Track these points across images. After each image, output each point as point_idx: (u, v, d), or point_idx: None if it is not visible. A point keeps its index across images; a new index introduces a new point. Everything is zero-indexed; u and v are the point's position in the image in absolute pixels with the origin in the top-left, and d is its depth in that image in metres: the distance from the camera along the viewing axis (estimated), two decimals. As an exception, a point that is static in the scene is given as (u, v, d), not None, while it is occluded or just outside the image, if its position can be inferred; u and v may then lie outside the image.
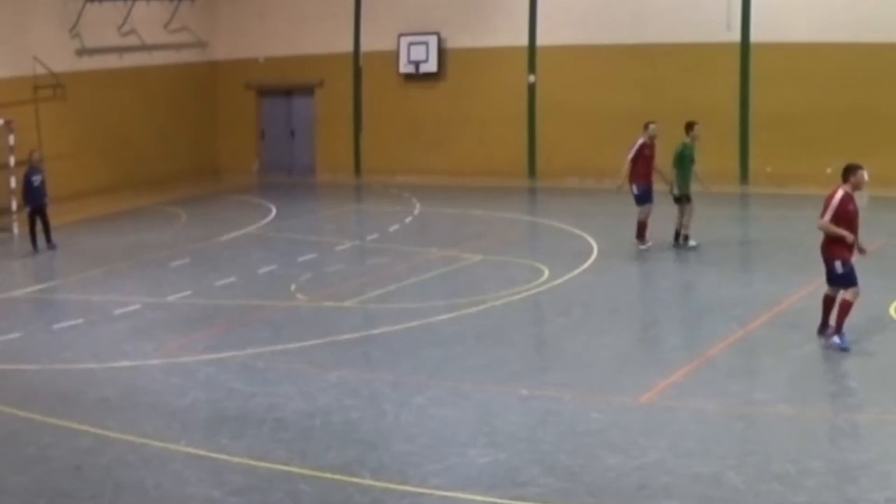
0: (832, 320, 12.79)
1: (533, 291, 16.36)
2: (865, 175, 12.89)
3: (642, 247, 18.93)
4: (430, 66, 29.83)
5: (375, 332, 14.46)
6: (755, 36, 26.32)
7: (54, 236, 21.61)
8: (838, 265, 12.67)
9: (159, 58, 30.41)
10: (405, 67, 30.13)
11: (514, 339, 14.19)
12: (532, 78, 28.92)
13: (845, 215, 12.70)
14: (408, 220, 23.67)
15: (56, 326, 15.05)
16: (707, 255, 18.75)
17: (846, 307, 12.62)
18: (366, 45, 30.81)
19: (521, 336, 14.60)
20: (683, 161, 18.68)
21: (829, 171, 25.30)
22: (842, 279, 12.70)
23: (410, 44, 29.93)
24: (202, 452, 10.06)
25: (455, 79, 29.74)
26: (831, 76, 25.31)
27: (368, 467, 9.50)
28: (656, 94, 27.25)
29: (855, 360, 12.30)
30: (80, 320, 15.30)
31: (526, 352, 13.84)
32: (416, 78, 30.12)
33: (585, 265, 18.02)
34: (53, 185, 26.73)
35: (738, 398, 11.25)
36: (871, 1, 25.04)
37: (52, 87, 26.81)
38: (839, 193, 12.80)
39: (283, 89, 32.18)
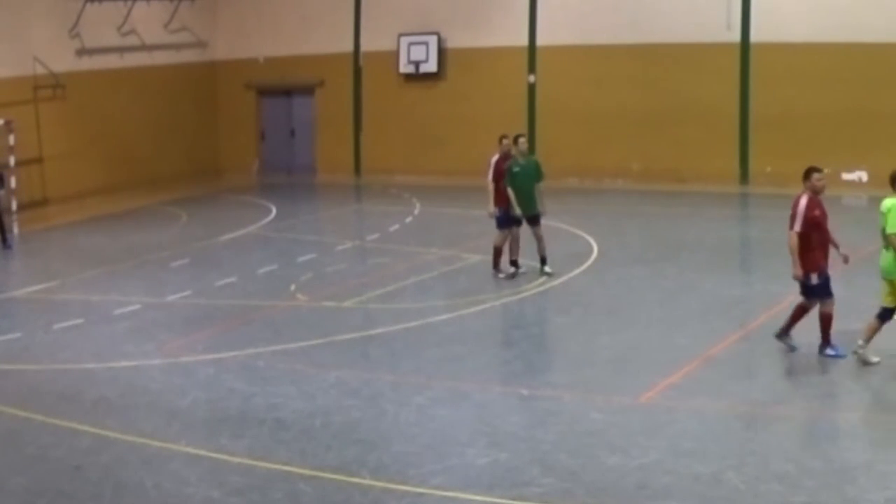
0: (810, 331, 12.45)
1: (533, 291, 16.36)
2: (824, 178, 12.62)
3: (500, 275, 17.04)
4: (430, 66, 29.84)
5: (375, 332, 14.45)
6: (755, 36, 26.33)
7: (52, 235, 21.59)
8: (814, 277, 12.29)
9: (159, 58, 30.43)
10: (405, 67, 30.15)
11: (514, 339, 14.18)
12: (532, 78, 28.93)
13: (813, 220, 12.31)
14: (408, 220, 23.67)
15: (56, 326, 15.04)
16: (707, 256, 18.75)
17: (828, 320, 12.34)
18: (366, 45, 30.83)
19: (521, 336, 14.60)
20: (512, 179, 16.66)
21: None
22: (818, 291, 12.33)
23: (410, 44, 29.94)
24: (202, 452, 10.06)
25: (455, 79, 29.75)
26: (831, 76, 25.32)
27: (368, 467, 9.50)
28: (656, 94, 27.30)
29: (855, 359, 12.28)
30: (80, 320, 15.29)
31: (526, 352, 13.83)
32: (416, 78, 30.13)
33: (585, 265, 18.02)
34: (53, 185, 26.86)
35: (738, 398, 11.25)
36: (871, 1, 25.05)
37: (52, 87, 26.83)
38: (804, 199, 12.43)
39: (283, 89, 32.19)
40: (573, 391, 11.56)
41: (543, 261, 17.01)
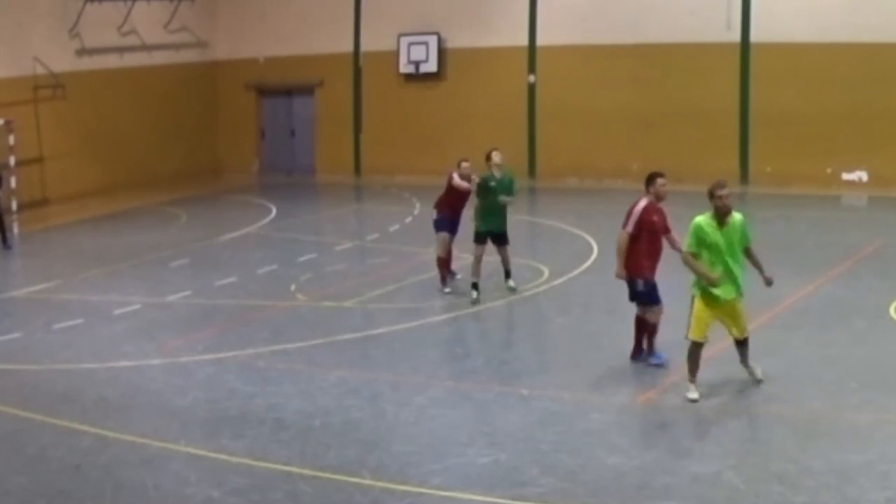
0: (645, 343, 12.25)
1: (533, 291, 16.36)
2: (667, 183, 12.10)
3: (446, 290, 16.30)
4: (430, 66, 29.86)
5: (375, 332, 14.45)
6: (755, 36, 26.35)
7: (52, 235, 21.60)
8: (640, 283, 12.03)
9: (159, 58, 30.44)
10: (405, 67, 30.16)
11: (514, 339, 14.18)
12: (532, 78, 28.94)
13: (649, 226, 11.99)
14: (408, 220, 23.67)
15: (56, 326, 15.04)
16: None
17: (652, 329, 12.10)
18: (366, 45, 30.84)
19: (521, 336, 14.60)
20: (485, 194, 15.87)
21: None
22: (643, 297, 12.07)
23: (410, 44, 29.95)
24: (202, 452, 10.06)
25: (455, 79, 29.76)
26: (831, 76, 25.34)
27: (368, 467, 9.50)
28: (656, 94, 27.31)
29: (855, 360, 12.30)
30: (80, 320, 15.29)
31: (526, 352, 13.83)
32: (416, 78, 30.14)
33: (585, 265, 18.02)
34: (53, 185, 26.87)
35: (738, 398, 11.25)
36: (871, 1, 25.06)
37: (52, 87, 26.84)
38: (642, 202, 12.05)
39: (283, 89, 32.20)
40: (573, 391, 11.55)
41: (507, 274, 16.11)
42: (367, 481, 9.24)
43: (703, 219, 10.97)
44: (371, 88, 30.91)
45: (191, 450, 10.11)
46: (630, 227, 12.02)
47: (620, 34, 27.51)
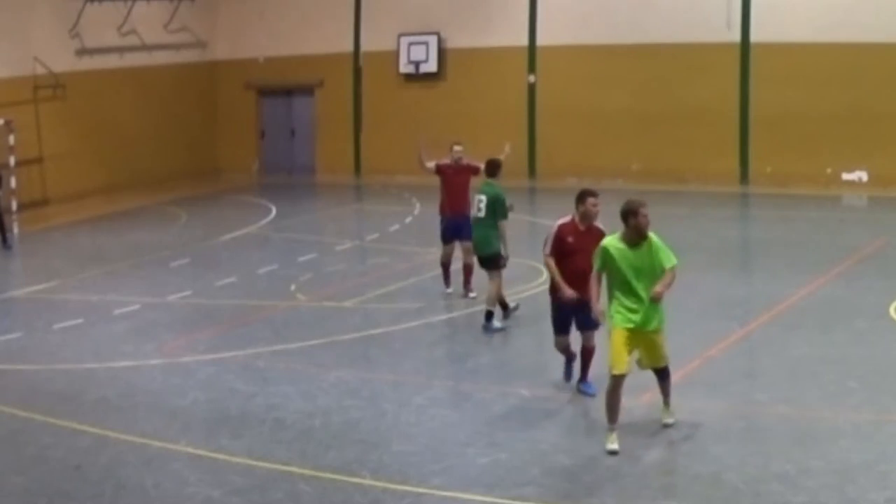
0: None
1: (533, 291, 16.35)
2: (599, 203, 11.18)
3: (470, 294, 15.60)
4: (430, 66, 29.86)
5: (375, 332, 14.44)
6: (755, 36, 26.36)
7: (52, 235, 21.60)
8: (553, 308, 11.29)
9: (159, 58, 30.43)
10: (405, 67, 30.16)
11: (514, 339, 14.18)
12: (532, 78, 28.94)
13: (560, 248, 11.04)
14: (408, 220, 23.67)
15: (56, 326, 15.03)
16: (707, 256, 18.73)
17: (588, 353, 11.26)
18: (366, 45, 30.84)
19: (521, 336, 14.58)
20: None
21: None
22: (578, 322, 11.19)
23: (410, 44, 29.95)
24: (202, 452, 10.06)
25: (455, 79, 29.76)
26: (831, 76, 25.34)
27: (368, 467, 9.50)
28: (656, 94, 27.31)
29: (855, 360, 12.30)
30: (80, 320, 15.29)
31: (526, 352, 13.83)
32: (416, 78, 30.14)
33: (585, 265, 17.98)
34: (53, 185, 26.85)
35: (738, 398, 11.25)
36: (871, 1, 25.06)
37: (52, 87, 26.83)
38: (559, 222, 11.23)
39: (283, 89, 32.20)
40: (573, 391, 11.55)
41: (488, 315, 14.15)
42: (367, 481, 9.24)
43: (611, 241, 10.01)
44: (371, 88, 30.91)
45: (191, 450, 10.11)
46: (547, 249, 11.17)
47: (620, 34, 27.51)
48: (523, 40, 28.90)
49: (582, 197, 11.20)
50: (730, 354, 12.96)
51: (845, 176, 25.57)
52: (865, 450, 9.54)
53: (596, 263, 10.08)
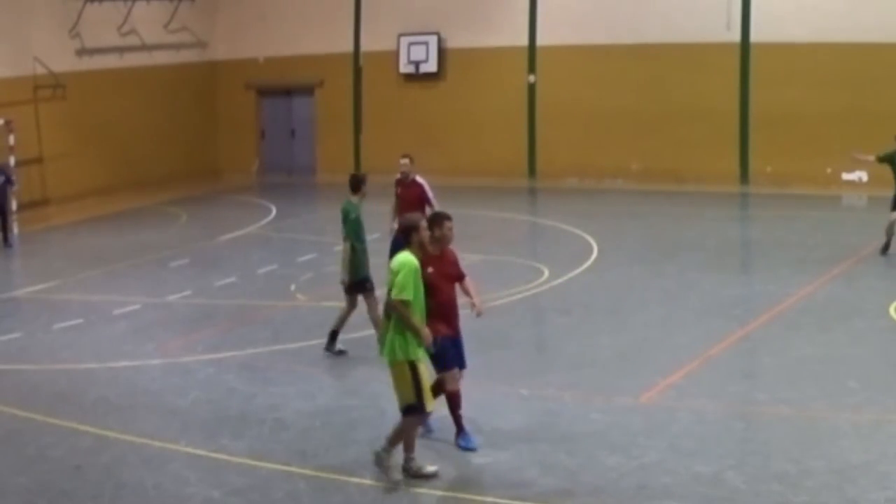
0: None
1: (533, 291, 16.36)
2: (453, 227, 9.99)
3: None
4: (430, 66, 29.85)
5: (375, 332, 14.41)
6: (755, 36, 26.35)
7: (52, 235, 21.59)
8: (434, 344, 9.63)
9: (159, 58, 30.43)
10: (405, 67, 30.15)
11: (514, 339, 14.17)
12: (532, 78, 28.93)
13: (424, 279, 9.46)
14: (408, 220, 23.62)
15: (56, 326, 15.04)
16: (707, 256, 18.75)
17: (452, 398, 9.97)
18: (366, 45, 30.83)
19: (522, 336, 14.59)
20: (356, 227, 14.15)
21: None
22: (434, 360, 9.81)
23: (410, 44, 29.94)
24: (202, 452, 10.06)
25: (455, 79, 29.75)
26: (831, 76, 25.34)
27: (368, 467, 9.49)
28: (656, 94, 27.30)
29: (855, 360, 12.30)
30: (80, 320, 15.29)
31: (526, 352, 13.83)
32: (416, 78, 30.13)
33: (585, 265, 18.01)
34: (53, 185, 26.85)
35: (738, 398, 11.25)
36: (871, 1, 25.06)
37: (52, 87, 26.83)
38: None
39: (283, 89, 32.19)
40: (573, 391, 11.55)
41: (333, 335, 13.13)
42: (367, 481, 9.24)
43: (414, 258, 9.22)
44: (371, 88, 30.90)
45: (191, 450, 10.11)
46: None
47: (620, 34, 27.50)
48: (523, 40, 28.89)
49: (438, 222, 9.90)
50: (730, 354, 12.95)
51: (845, 176, 25.55)
52: (865, 450, 9.54)
53: (407, 287, 9.13)
